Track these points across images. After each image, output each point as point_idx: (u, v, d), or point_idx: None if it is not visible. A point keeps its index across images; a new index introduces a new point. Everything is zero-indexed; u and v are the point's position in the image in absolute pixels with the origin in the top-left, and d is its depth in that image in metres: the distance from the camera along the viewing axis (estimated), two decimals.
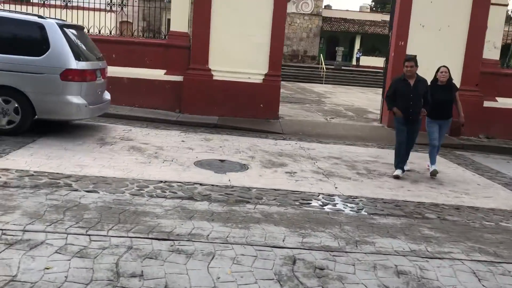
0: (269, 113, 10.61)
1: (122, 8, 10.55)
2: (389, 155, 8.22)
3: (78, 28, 7.71)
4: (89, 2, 10.61)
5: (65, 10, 10.44)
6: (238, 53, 10.42)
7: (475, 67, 10.65)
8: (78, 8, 10.65)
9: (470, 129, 10.60)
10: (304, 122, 10.79)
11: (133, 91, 10.48)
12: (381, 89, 28.29)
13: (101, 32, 10.71)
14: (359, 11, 48.12)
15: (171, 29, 10.53)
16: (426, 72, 10.82)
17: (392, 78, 10.68)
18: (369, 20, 44.90)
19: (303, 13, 41.44)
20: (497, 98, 10.91)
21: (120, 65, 10.42)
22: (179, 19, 10.50)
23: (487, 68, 10.79)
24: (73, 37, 7.02)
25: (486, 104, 10.76)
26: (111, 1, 10.49)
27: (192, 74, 10.42)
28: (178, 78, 10.48)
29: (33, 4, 10.62)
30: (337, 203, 5.12)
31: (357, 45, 43.25)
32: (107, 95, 8.13)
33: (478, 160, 8.63)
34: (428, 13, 10.46)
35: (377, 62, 41.85)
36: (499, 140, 10.64)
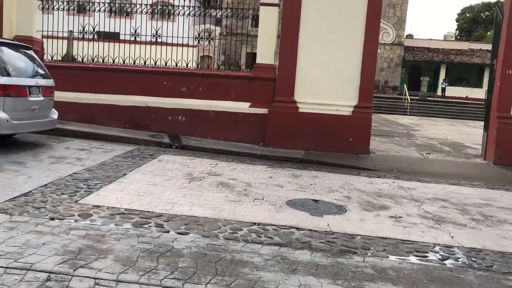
0: (359, 147, 9.95)
1: (209, 42, 10.58)
2: (503, 197, 7.22)
3: (23, 48, 8.13)
4: (176, 37, 10.77)
5: (155, 46, 10.67)
6: (325, 84, 9.98)
7: None
8: (162, 43, 10.83)
9: None
10: (398, 158, 9.98)
11: (218, 124, 10.36)
12: (477, 121, 26.59)
13: (188, 66, 10.80)
14: (443, 40, 46.12)
15: (257, 61, 10.35)
16: None
17: (497, 109, 9.67)
18: (454, 49, 42.83)
19: (384, 43, 40.28)
20: None
21: (206, 98, 10.41)
22: (265, 51, 10.31)
23: None
24: (6, 54, 7.37)
25: None
26: (198, 35, 10.55)
27: (277, 106, 10.10)
28: (263, 110, 10.20)
29: (124, 41, 10.97)
30: (459, 257, 4.35)
31: (442, 75, 41.26)
32: (52, 114, 8.35)
33: None
34: None
35: (465, 92, 39.62)
36: None
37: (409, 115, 28.53)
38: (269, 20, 10.21)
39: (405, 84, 33.98)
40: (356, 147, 9.93)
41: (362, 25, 9.74)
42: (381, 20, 34.81)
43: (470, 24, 62.22)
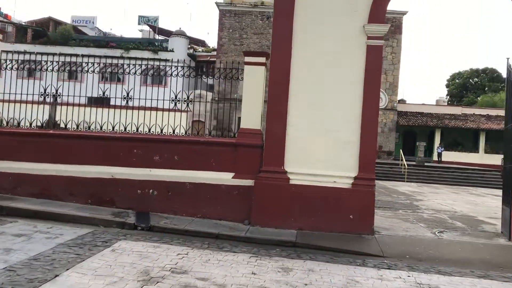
0: (361, 226, 8.42)
1: (187, 105, 9.31)
2: None
3: None
4: (162, 100, 9.49)
5: (143, 110, 9.40)
6: (319, 151, 8.63)
7: None
8: (152, 108, 9.53)
9: None
10: (408, 239, 8.42)
11: (196, 199, 8.86)
12: (478, 188, 25.24)
13: (175, 131, 9.40)
14: (436, 105, 45.92)
15: (241, 126, 9.05)
16: None
17: None
18: (448, 114, 42.44)
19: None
20: None
21: (182, 168, 9.02)
22: (251, 115, 9.04)
23: None
24: None
25: None
26: (188, 98, 9.31)
27: (264, 178, 8.66)
28: (248, 182, 8.75)
29: (115, 107, 9.67)
30: None
31: (437, 140, 40.48)
32: None
33: None
34: None
35: (461, 157, 38.65)
36: None
37: (407, 181, 27.16)
38: (254, 80, 9.03)
39: (400, 150, 32.93)
40: (358, 226, 8.40)
41: (360, 84, 8.56)
42: None
43: (459, 89, 62.71)
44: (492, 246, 8.30)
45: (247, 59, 9.11)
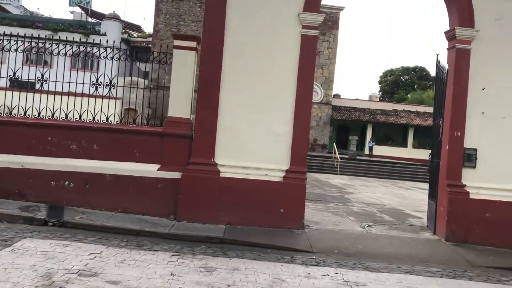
0: (292, 220, 8.19)
1: (110, 90, 8.58)
2: None
3: None
4: (89, 84, 8.64)
5: (73, 97, 8.50)
6: (252, 143, 8.28)
7: None
8: (83, 95, 8.64)
9: None
10: (337, 234, 8.30)
11: (117, 192, 8.21)
12: (406, 181, 26.22)
13: (95, 119, 8.60)
14: (369, 100, 47.37)
15: (169, 114, 8.49)
16: (491, 170, 8.64)
17: (447, 176, 8.42)
18: (380, 109, 43.88)
19: (313, 102, 40.46)
20: None
21: (103, 158, 8.32)
22: (180, 103, 8.49)
23: None
24: None
25: None
26: (96, 81, 8.52)
27: (193, 170, 8.18)
28: (175, 175, 8.22)
29: (41, 92, 8.61)
30: None
31: (369, 134, 41.78)
32: None
33: None
34: (488, 98, 8.42)
35: (392, 151, 40.16)
36: None
37: (340, 174, 27.73)
38: (184, 66, 8.49)
39: (334, 143, 33.60)
40: (289, 219, 8.16)
41: (294, 75, 8.28)
42: None
43: (391, 86, 65.27)
44: (418, 240, 8.39)
45: (176, 42, 8.54)
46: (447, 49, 8.79)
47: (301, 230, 8.13)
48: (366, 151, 40.34)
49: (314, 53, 8.51)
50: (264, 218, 8.11)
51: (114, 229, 7.04)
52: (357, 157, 32.49)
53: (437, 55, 9.45)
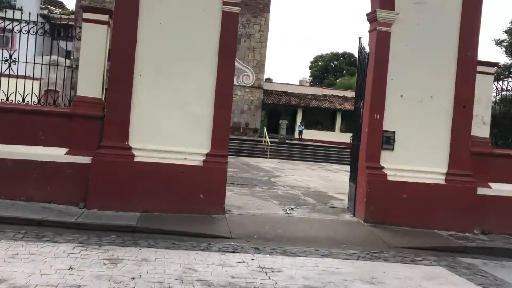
0: (213, 205, 7.89)
1: (9, 65, 7.69)
2: (387, 274, 5.69)
3: None
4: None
5: None
6: (170, 126, 7.83)
7: (464, 146, 8.70)
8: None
9: (463, 223, 8.50)
10: (258, 218, 8.12)
11: (19, 178, 7.45)
12: (333, 164, 26.87)
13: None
14: (299, 85, 48.01)
15: (78, 93, 7.79)
16: (408, 152, 8.83)
17: (366, 159, 8.50)
18: (310, 94, 44.65)
19: (244, 86, 40.28)
20: (490, 183, 8.93)
21: (3, 141, 7.46)
22: (90, 80, 7.82)
23: (476, 147, 8.90)
24: None
25: (480, 191, 8.71)
26: (10, 57, 7.62)
27: (104, 154, 7.59)
28: (85, 159, 7.59)
29: None
30: None
31: (299, 118, 42.41)
32: None
33: (499, 274, 6.26)
34: (407, 81, 8.55)
35: (321, 135, 41.10)
36: (498, 236, 8.53)
37: (270, 158, 27.87)
38: (95, 41, 7.81)
39: (265, 127, 33.72)
40: (209, 205, 7.85)
41: (214, 54, 7.90)
42: (241, 62, 34.38)
43: (321, 71, 66.72)
44: (338, 223, 8.43)
45: (86, 15, 7.84)
46: (369, 31, 8.80)
47: (222, 215, 7.86)
48: (296, 135, 40.96)
49: (236, 30, 8.17)
50: (183, 204, 7.74)
51: (12, 220, 6.35)
52: (287, 141, 32.86)
53: (360, 37, 9.46)
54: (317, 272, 5.45)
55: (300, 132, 40.22)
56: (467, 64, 8.65)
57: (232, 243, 6.49)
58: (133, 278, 4.60)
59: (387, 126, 8.53)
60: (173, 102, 7.82)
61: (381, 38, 8.43)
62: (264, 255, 5.99)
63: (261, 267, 5.42)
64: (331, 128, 43.35)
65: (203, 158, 7.92)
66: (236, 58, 31.24)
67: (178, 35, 7.83)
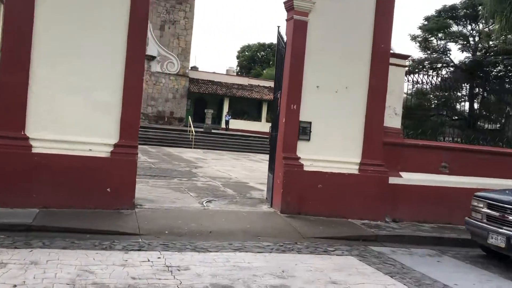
0: (121, 200, 7.39)
1: None
2: (298, 266, 5.61)
3: None
4: None
5: None
6: (73, 114, 7.20)
7: (377, 136, 8.88)
8: None
9: (375, 211, 8.70)
10: (172, 212, 7.74)
11: None
12: (258, 154, 26.88)
13: None
14: (226, 74, 47.69)
15: None
16: (324, 143, 8.86)
17: (283, 149, 8.40)
18: (236, 84, 44.51)
19: (169, 73, 39.11)
20: (401, 173, 9.23)
21: None
22: None
23: (389, 138, 9.13)
24: None
25: (391, 180, 8.97)
26: None
27: None
28: None
29: None
30: None
31: (225, 108, 42.16)
32: None
33: (406, 262, 6.43)
34: (324, 72, 8.53)
35: (247, 125, 41.15)
36: (407, 223, 8.85)
37: (194, 148, 27.35)
38: None
39: (190, 116, 33.08)
40: (117, 199, 7.35)
41: (123, 34, 7.35)
42: (166, 49, 33.05)
43: (248, 61, 66.78)
44: (254, 214, 8.28)
45: None
46: (286, 20, 8.67)
47: (132, 210, 7.39)
48: (223, 125, 40.70)
49: (147, 7, 7.64)
50: (88, 199, 7.16)
51: None
52: (213, 131, 32.47)
53: (278, 27, 9.31)
54: (227, 268, 5.21)
55: (227, 122, 40.02)
56: (381, 56, 8.81)
57: (140, 240, 6.09)
58: (14, 286, 4.07)
59: (303, 116, 8.48)
60: (76, 87, 7.17)
61: (298, 27, 8.32)
62: (173, 252, 5.66)
63: (167, 266, 5.09)
64: (258, 118, 43.57)
65: (110, 149, 7.37)
66: (160, 45, 30.21)
67: (81, 9, 7.17)
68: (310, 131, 8.52)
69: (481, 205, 7.05)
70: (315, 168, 8.48)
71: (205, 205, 8.54)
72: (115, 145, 7.39)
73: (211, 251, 5.87)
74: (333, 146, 8.65)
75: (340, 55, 8.64)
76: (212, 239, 6.47)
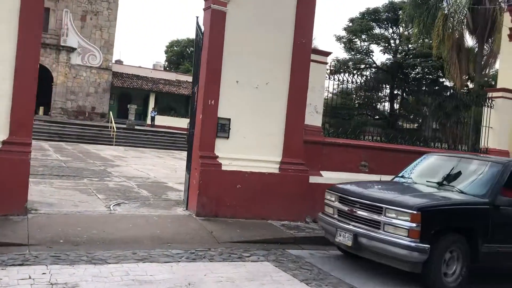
0: (9, 204, 6.45)
1: None
2: (207, 276, 5.10)
3: None
4: None
5: None
6: None
7: (298, 134, 8.60)
8: None
9: (295, 212, 8.42)
10: (71, 218, 6.91)
11: None
12: (184, 152, 25.95)
13: None
14: (153, 69, 46.14)
15: None
16: (244, 141, 8.42)
17: (200, 147, 7.86)
18: (163, 79, 43.23)
19: (91, 66, 37.13)
20: (322, 172, 9.03)
21: None
22: None
23: (309, 136, 8.89)
24: None
25: (312, 180, 8.73)
26: None
27: None
28: None
29: None
30: None
31: (151, 104, 40.71)
32: None
33: (324, 266, 6.14)
34: (244, 66, 8.08)
35: (174, 122, 39.98)
36: None
37: (116, 145, 25.97)
38: None
39: (111, 112, 31.47)
40: (5, 204, 6.40)
41: (14, 15, 6.43)
42: (87, 41, 31.48)
43: (177, 57, 65.25)
44: (167, 218, 7.63)
45: None
46: (204, 9, 8.11)
47: (23, 216, 6.49)
48: (149, 121, 39.25)
49: None
50: None
51: None
52: (137, 127, 31.14)
53: (197, 17, 8.71)
54: (123, 284, 4.59)
55: (153, 118, 38.63)
56: (302, 51, 8.52)
57: (26, 252, 5.28)
58: None
59: (222, 113, 7.97)
60: None
61: (215, 17, 7.79)
62: (63, 265, 4.92)
63: (51, 283, 4.36)
64: (185, 115, 42.42)
65: None
66: (80, 36, 28.60)
67: None
68: (229, 128, 8.04)
69: (333, 199, 6.45)
70: (234, 167, 8.02)
71: (112, 208, 7.76)
72: (3, 142, 6.45)
73: (110, 263, 5.19)
74: (254, 144, 8.24)
75: (261, 50, 8.23)
76: (114, 248, 5.78)
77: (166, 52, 66.45)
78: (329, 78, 9.70)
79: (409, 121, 31.85)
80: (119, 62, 43.49)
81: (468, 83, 27.07)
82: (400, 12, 29.46)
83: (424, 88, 30.65)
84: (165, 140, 29.53)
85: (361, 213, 5.86)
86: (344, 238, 5.95)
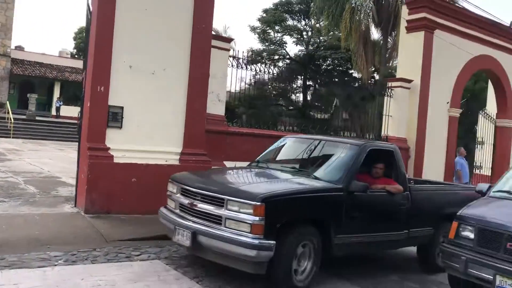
0: None
1: None
2: (84, 281, 4.58)
3: None
4: None
5: None
6: None
7: (199, 123, 8.21)
8: None
9: None
10: None
11: None
12: None
13: None
14: (59, 56, 43.10)
15: None
16: (139, 130, 7.84)
17: (88, 138, 7.19)
18: (70, 67, 40.51)
19: None
20: (225, 162, 8.74)
21: None
22: None
23: (212, 125, 8.55)
24: None
25: None
26: None
27: None
28: None
29: None
30: None
31: (56, 93, 38.02)
32: None
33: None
34: (138, 50, 7.50)
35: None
36: None
37: (13, 137, 23.76)
38: None
39: (7, 102, 28.79)
40: None
41: None
42: None
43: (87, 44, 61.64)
44: (51, 217, 6.89)
45: None
46: None
47: None
48: (54, 112, 36.62)
49: None
50: None
51: None
52: (38, 118, 28.83)
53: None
54: None
55: (58, 109, 36.06)
56: (202, 37, 8.12)
57: None
58: None
59: (114, 100, 7.36)
60: None
61: None
62: None
63: None
64: None
65: None
66: None
67: None
68: (122, 117, 7.45)
69: (175, 190, 5.51)
70: (128, 159, 7.44)
71: None
72: None
73: None
74: (151, 135, 7.72)
75: (158, 34, 7.70)
76: None
77: (74, 39, 62.43)
78: (247, 68, 9.43)
79: (321, 111, 32.76)
80: (19, 48, 40.05)
81: (375, 75, 28.34)
82: (312, 4, 30.02)
83: (334, 79, 31.66)
84: (69, 132, 27.56)
85: (202, 206, 4.95)
86: (182, 237, 4.98)
